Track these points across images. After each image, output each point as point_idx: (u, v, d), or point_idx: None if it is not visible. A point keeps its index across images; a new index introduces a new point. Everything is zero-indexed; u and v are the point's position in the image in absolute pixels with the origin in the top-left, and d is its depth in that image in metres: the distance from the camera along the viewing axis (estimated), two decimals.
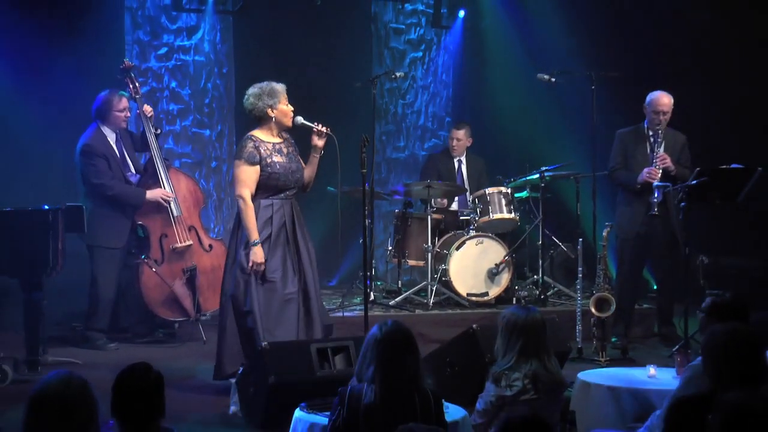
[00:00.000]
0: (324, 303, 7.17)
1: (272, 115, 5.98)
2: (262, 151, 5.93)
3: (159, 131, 7.73)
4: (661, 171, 7.31)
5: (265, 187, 5.93)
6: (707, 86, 9.25)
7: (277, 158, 5.96)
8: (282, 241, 5.93)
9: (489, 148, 9.78)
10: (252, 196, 5.92)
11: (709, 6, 9.31)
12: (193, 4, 9.52)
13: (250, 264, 5.80)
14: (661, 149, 7.40)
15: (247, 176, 5.90)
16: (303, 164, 6.12)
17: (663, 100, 7.43)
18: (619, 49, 9.62)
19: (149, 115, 7.61)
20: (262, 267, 5.82)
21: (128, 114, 7.58)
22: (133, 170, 7.58)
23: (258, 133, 6.03)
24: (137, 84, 7.69)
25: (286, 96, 6.04)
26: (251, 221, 5.86)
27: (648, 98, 7.49)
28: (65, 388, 2.93)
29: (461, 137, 9.02)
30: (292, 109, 6.05)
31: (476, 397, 4.61)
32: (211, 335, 7.09)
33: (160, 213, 7.53)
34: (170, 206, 7.52)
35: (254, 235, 5.84)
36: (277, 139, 6.06)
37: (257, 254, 5.81)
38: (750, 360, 3.47)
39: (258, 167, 5.90)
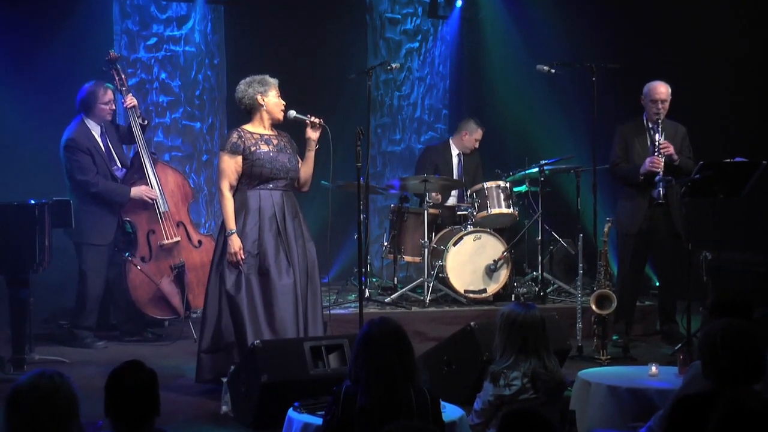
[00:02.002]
0: None
1: (262, 103, 5.99)
2: (247, 141, 5.95)
3: (147, 122, 7.71)
4: (663, 159, 7.30)
5: (251, 176, 5.94)
6: (710, 77, 9.25)
7: (263, 147, 5.96)
8: (274, 231, 5.94)
9: (487, 142, 9.76)
10: (233, 188, 5.97)
11: None
12: None
13: (227, 256, 5.84)
14: (662, 138, 7.39)
15: (228, 167, 5.95)
16: (299, 159, 6.11)
17: (660, 89, 7.43)
18: (620, 40, 9.62)
19: (131, 106, 7.55)
20: (239, 256, 5.84)
21: (113, 107, 7.55)
22: (119, 164, 7.56)
23: (247, 126, 6.05)
24: (123, 76, 7.67)
25: (278, 90, 6.06)
26: (227, 211, 5.93)
27: (645, 89, 7.49)
28: (41, 384, 2.93)
29: (480, 137, 9.08)
30: (284, 104, 6.05)
31: (474, 397, 4.61)
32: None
33: (146, 209, 7.51)
34: (156, 202, 7.51)
35: (230, 225, 5.90)
36: (268, 132, 6.06)
37: (232, 244, 5.86)
38: (745, 356, 3.47)
39: (240, 158, 5.92)
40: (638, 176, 7.40)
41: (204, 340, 5.99)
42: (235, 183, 5.96)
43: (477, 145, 9.11)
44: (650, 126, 7.47)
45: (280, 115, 6.04)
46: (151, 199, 7.47)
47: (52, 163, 7.79)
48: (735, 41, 9.22)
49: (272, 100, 6.02)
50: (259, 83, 6.01)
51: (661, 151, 7.31)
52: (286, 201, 6.03)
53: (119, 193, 7.41)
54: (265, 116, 6.03)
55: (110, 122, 7.60)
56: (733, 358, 3.46)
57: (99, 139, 7.46)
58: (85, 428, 3.04)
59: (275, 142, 6.04)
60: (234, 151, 5.91)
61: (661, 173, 7.27)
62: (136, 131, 7.53)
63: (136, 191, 7.43)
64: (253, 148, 5.93)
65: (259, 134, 6.01)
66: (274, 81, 6.07)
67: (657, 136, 7.36)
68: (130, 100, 7.56)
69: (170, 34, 9.48)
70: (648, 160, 7.32)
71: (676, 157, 7.36)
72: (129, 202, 7.42)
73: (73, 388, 2.98)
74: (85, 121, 7.44)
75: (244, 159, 5.92)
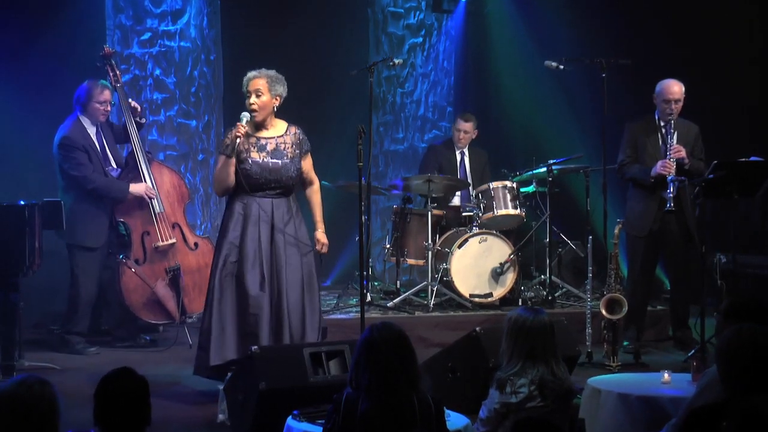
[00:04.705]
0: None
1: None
2: (242, 144, 5.91)
3: (144, 121, 7.72)
4: (675, 163, 7.31)
5: (240, 184, 5.93)
6: (723, 73, 9.25)
7: (254, 155, 5.93)
8: (255, 242, 5.90)
9: (493, 140, 9.78)
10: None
11: None
12: None
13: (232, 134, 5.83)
14: (674, 140, 7.39)
15: None
16: (301, 163, 6.08)
17: (674, 88, 7.43)
18: (630, 35, 9.62)
19: (133, 106, 7.58)
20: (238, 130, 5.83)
21: (109, 108, 7.54)
22: (114, 164, 7.57)
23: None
24: (118, 72, 7.68)
25: (248, 87, 5.96)
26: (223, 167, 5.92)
27: (658, 87, 7.49)
28: (18, 393, 2.94)
29: (468, 130, 9.00)
30: (251, 103, 5.94)
31: (479, 405, 4.61)
32: (197, 339, 7.08)
33: (141, 209, 7.52)
34: (152, 202, 7.51)
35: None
36: (267, 133, 6.03)
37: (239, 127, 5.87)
38: (760, 362, 3.46)
39: (234, 161, 5.92)
40: (648, 179, 7.40)
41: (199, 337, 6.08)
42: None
43: (462, 137, 9.00)
44: (662, 125, 7.47)
45: (257, 117, 5.99)
46: (150, 198, 7.47)
47: (43, 163, 7.80)
48: (750, 37, 9.23)
49: (246, 101, 6.00)
50: (244, 80, 6.02)
51: (673, 155, 7.31)
52: (276, 208, 5.97)
53: (117, 189, 7.41)
54: None
55: (105, 121, 7.60)
56: (748, 365, 3.45)
57: (94, 138, 7.48)
58: None
59: (271, 147, 5.98)
60: (228, 155, 5.91)
61: (672, 175, 7.28)
62: (132, 130, 7.53)
63: (137, 188, 7.43)
64: (244, 155, 5.91)
65: (256, 137, 5.98)
66: (248, 76, 6.00)
67: (669, 138, 7.36)
68: (134, 105, 7.59)
69: (165, 28, 9.48)
70: (659, 163, 7.32)
71: (687, 160, 7.36)
72: (127, 198, 7.42)
73: (54, 397, 2.98)
74: (81, 119, 7.45)
75: (237, 162, 5.92)
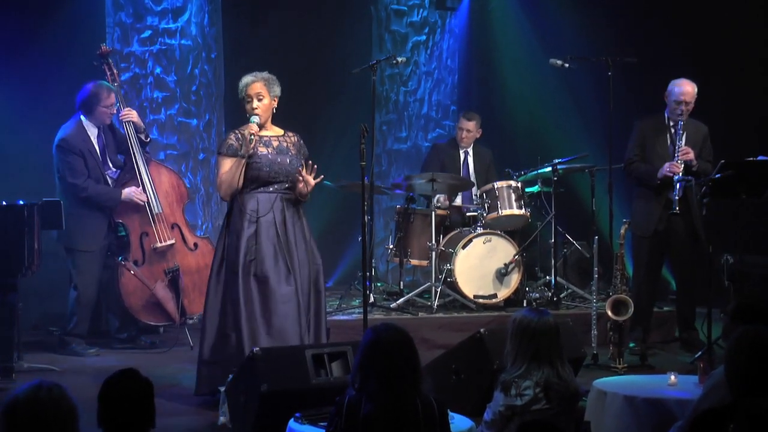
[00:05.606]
0: None
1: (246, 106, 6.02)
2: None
3: (149, 139, 7.73)
4: (683, 165, 7.31)
5: (248, 179, 5.94)
6: (730, 72, 9.24)
7: (261, 149, 5.96)
8: (272, 236, 5.93)
9: (498, 139, 9.77)
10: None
11: None
12: None
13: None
14: (683, 141, 7.39)
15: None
16: (303, 163, 6.09)
17: (686, 88, 7.42)
18: (636, 33, 9.62)
19: (127, 120, 7.53)
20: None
21: (114, 111, 7.56)
22: (112, 167, 7.57)
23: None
24: (115, 71, 7.69)
25: (248, 92, 6.00)
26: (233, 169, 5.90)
27: (669, 87, 7.49)
28: (39, 397, 2.94)
29: (471, 128, 9.00)
30: (254, 107, 5.98)
31: (484, 407, 4.61)
32: (198, 340, 7.09)
33: (139, 210, 7.52)
34: (149, 203, 7.51)
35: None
36: (269, 132, 6.06)
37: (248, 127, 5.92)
38: (764, 365, 3.46)
39: (244, 162, 5.91)
40: (655, 179, 7.40)
41: (203, 351, 6.00)
42: None
43: (465, 136, 8.98)
44: (671, 125, 7.47)
45: (261, 120, 6.01)
46: (142, 201, 7.47)
47: (42, 163, 7.80)
48: (757, 35, 9.21)
49: (246, 106, 6.02)
50: (240, 87, 6.04)
51: (680, 157, 7.31)
52: (287, 204, 6.01)
53: (110, 198, 7.42)
54: None
55: (108, 123, 7.61)
56: (754, 367, 3.45)
57: (95, 141, 7.48)
58: None
59: (276, 144, 6.03)
60: (231, 155, 5.92)
61: (679, 175, 7.28)
62: (129, 130, 7.53)
63: (126, 193, 7.44)
64: (252, 151, 5.92)
65: (259, 136, 6.00)
66: (243, 83, 6.03)
67: (678, 139, 7.35)
68: (127, 112, 7.55)
69: (165, 26, 9.48)
70: (666, 165, 7.33)
71: (695, 162, 7.37)
72: (120, 204, 7.44)
73: (72, 401, 2.98)
74: (83, 121, 7.45)
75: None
